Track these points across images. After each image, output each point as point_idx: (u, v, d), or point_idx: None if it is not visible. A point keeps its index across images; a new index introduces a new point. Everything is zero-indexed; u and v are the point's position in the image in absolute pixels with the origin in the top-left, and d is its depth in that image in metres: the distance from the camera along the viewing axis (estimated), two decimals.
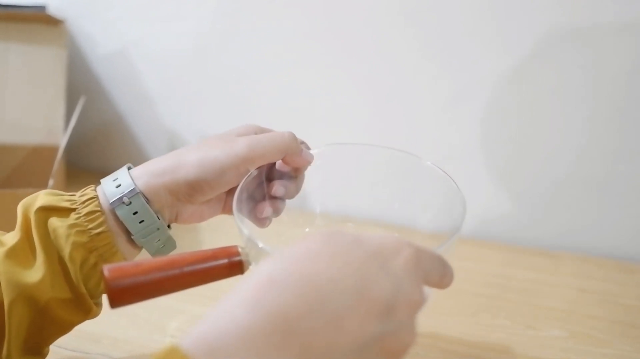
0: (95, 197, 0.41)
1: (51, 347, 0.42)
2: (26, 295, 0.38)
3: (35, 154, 0.75)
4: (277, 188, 0.45)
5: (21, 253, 0.39)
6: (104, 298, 0.38)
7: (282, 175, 0.46)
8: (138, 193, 0.40)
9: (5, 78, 0.76)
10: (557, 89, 0.67)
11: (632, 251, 0.71)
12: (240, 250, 0.37)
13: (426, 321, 0.54)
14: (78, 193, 0.41)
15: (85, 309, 0.41)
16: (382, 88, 0.73)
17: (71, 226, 0.39)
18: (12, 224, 0.40)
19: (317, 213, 0.50)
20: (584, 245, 0.72)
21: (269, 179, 0.46)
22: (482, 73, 0.68)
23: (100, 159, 0.93)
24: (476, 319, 0.59)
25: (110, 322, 0.55)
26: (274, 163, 0.45)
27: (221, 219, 0.47)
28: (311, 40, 0.73)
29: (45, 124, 0.75)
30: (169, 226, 0.44)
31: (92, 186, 0.42)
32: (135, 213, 0.40)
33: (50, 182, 0.64)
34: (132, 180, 0.41)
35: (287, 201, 0.47)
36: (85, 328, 0.42)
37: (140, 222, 0.41)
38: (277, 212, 0.46)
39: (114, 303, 0.33)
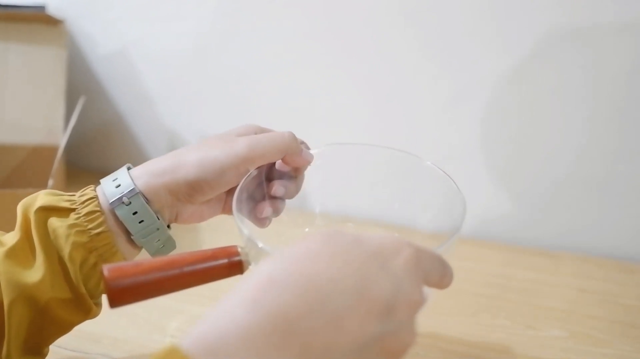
0: (95, 197, 0.41)
1: (51, 347, 0.42)
2: (26, 295, 0.38)
3: (35, 154, 0.75)
4: (277, 188, 0.45)
5: (21, 253, 0.39)
6: (104, 298, 0.38)
7: (282, 175, 0.46)
8: (138, 193, 0.40)
9: (5, 79, 0.76)
10: (557, 89, 0.67)
11: (632, 251, 0.71)
12: (240, 250, 0.36)
13: (426, 321, 0.54)
14: (78, 193, 0.41)
15: (85, 310, 0.41)
16: (382, 88, 0.73)
17: (71, 226, 0.39)
18: (12, 224, 0.40)
19: (317, 213, 0.50)
20: (584, 245, 0.72)
21: (269, 179, 0.46)
22: (482, 73, 0.68)
23: (100, 159, 0.93)
24: (476, 319, 0.59)
25: (110, 322, 0.55)
26: (274, 163, 0.45)
27: (221, 219, 0.47)
28: (311, 40, 0.73)
29: (45, 124, 0.75)
30: (168, 226, 0.44)
31: (92, 187, 0.42)
32: (135, 213, 0.40)
33: (50, 182, 0.64)
34: (132, 180, 0.41)
35: (287, 201, 0.47)
36: (85, 328, 0.42)
37: (140, 222, 0.41)
38: (277, 212, 0.46)
39: (114, 302, 0.33)
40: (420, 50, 0.69)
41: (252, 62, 0.77)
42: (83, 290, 0.40)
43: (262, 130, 0.45)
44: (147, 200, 0.41)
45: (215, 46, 0.78)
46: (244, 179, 0.42)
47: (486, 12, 0.65)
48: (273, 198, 0.46)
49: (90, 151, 0.93)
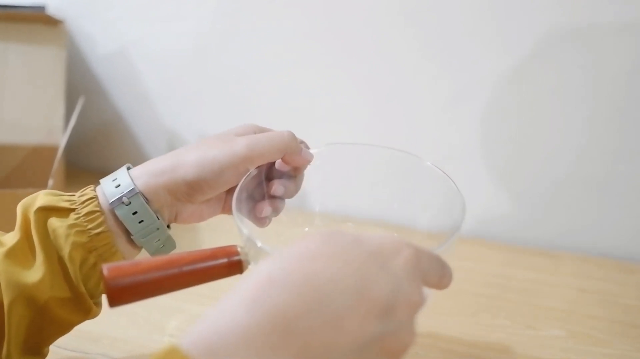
0: (95, 197, 0.41)
1: (51, 347, 0.42)
2: (26, 295, 0.38)
3: (35, 154, 0.75)
4: (277, 187, 0.45)
5: (21, 253, 0.39)
6: (104, 298, 0.38)
7: (281, 175, 0.46)
8: (137, 193, 0.40)
9: (5, 79, 0.76)
10: (557, 89, 0.67)
11: (632, 251, 0.71)
12: (239, 249, 0.36)
13: (426, 321, 0.54)
14: (77, 193, 0.41)
15: (85, 309, 0.41)
16: (382, 88, 0.73)
17: (71, 226, 0.39)
18: (11, 224, 0.40)
19: (317, 213, 0.50)
20: (584, 245, 0.72)
21: (269, 178, 0.46)
22: (482, 73, 0.68)
23: (100, 159, 0.93)
24: (476, 319, 0.59)
25: (109, 322, 0.55)
26: (274, 163, 0.45)
27: (221, 219, 0.47)
28: (311, 40, 0.73)
29: (44, 124, 0.75)
30: (168, 226, 0.44)
31: (92, 187, 0.42)
32: (134, 213, 0.40)
33: (50, 182, 0.64)
34: (132, 180, 0.41)
35: (287, 200, 0.47)
36: (84, 327, 0.42)
37: (139, 222, 0.41)
38: (276, 212, 0.46)
39: (113, 302, 0.33)
40: (420, 50, 0.69)
41: (252, 62, 0.77)
42: (83, 289, 0.40)
43: (262, 130, 0.45)
44: (147, 200, 0.41)
45: (215, 46, 0.78)
46: (243, 179, 0.42)
47: (486, 12, 0.65)
48: (272, 197, 0.46)
49: (90, 151, 0.93)
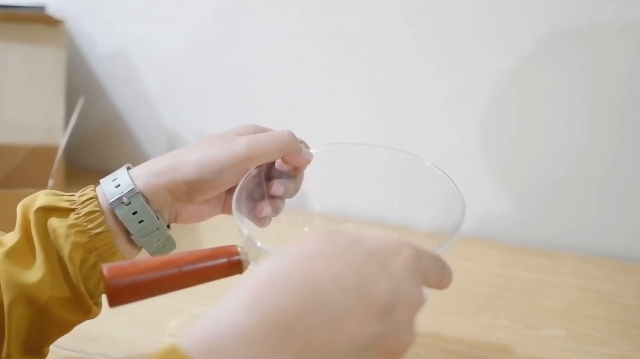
0: (95, 197, 0.41)
1: (51, 347, 0.42)
2: (26, 295, 0.38)
3: (34, 154, 0.75)
4: (277, 187, 0.45)
5: (21, 253, 0.39)
6: (104, 298, 0.38)
7: (281, 174, 0.46)
8: (137, 193, 0.40)
9: (5, 79, 0.76)
10: (557, 89, 0.67)
11: (632, 251, 0.71)
12: (239, 249, 0.36)
13: (426, 321, 0.54)
14: (77, 193, 0.41)
15: (85, 309, 0.41)
16: (382, 88, 0.73)
17: (71, 226, 0.39)
18: (11, 224, 0.40)
19: (317, 213, 0.50)
20: (584, 245, 0.72)
21: (268, 178, 0.46)
22: (482, 73, 0.68)
23: (99, 159, 0.93)
24: (476, 319, 0.59)
25: (109, 322, 0.55)
26: (273, 163, 0.45)
27: (220, 219, 0.47)
28: (311, 40, 0.73)
29: (44, 124, 0.75)
30: (168, 226, 0.44)
31: (92, 187, 0.42)
32: (134, 213, 0.40)
33: (50, 182, 0.64)
34: (132, 180, 0.41)
35: (287, 200, 0.47)
36: (84, 327, 0.42)
37: (139, 222, 0.41)
38: (276, 211, 0.46)
39: (113, 302, 0.33)
40: (420, 50, 0.69)
41: (252, 62, 0.77)
42: (83, 289, 0.40)
43: (261, 130, 0.45)
44: (147, 200, 0.41)
45: (215, 46, 0.78)
46: (243, 178, 0.42)
47: (486, 12, 0.65)
48: (272, 197, 0.46)
49: (90, 151, 0.93)
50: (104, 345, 0.53)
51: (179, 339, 0.26)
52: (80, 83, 0.86)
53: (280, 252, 0.30)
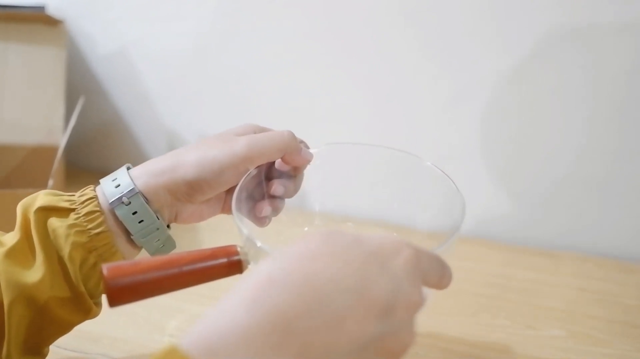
0: (95, 197, 0.41)
1: (51, 347, 0.42)
2: (26, 295, 0.38)
3: (34, 154, 0.75)
4: (277, 187, 0.45)
5: (21, 253, 0.39)
6: (104, 298, 0.38)
7: (281, 174, 0.46)
8: (137, 193, 0.40)
9: (5, 79, 0.76)
10: (557, 89, 0.67)
11: (632, 251, 0.71)
12: (239, 249, 0.36)
13: (426, 321, 0.54)
14: (77, 193, 0.41)
15: (85, 309, 0.41)
16: (382, 88, 0.73)
17: (71, 226, 0.39)
18: (11, 224, 0.40)
19: (317, 213, 0.50)
20: (584, 245, 0.72)
21: (268, 178, 0.46)
22: (482, 73, 0.68)
23: (99, 159, 0.93)
24: (476, 319, 0.59)
25: (109, 322, 0.55)
26: (273, 162, 0.45)
27: (220, 218, 0.46)
28: (311, 40, 0.73)
29: (44, 124, 0.75)
30: (168, 226, 0.44)
31: (92, 187, 0.42)
32: (134, 213, 0.40)
33: (50, 182, 0.64)
34: (132, 180, 0.41)
35: (287, 200, 0.47)
36: (84, 327, 0.42)
37: (139, 222, 0.41)
38: (276, 211, 0.46)
39: (113, 301, 0.33)
40: (420, 50, 0.69)
41: (252, 62, 0.77)
42: (83, 289, 0.40)
43: (261, 130, 0.45)
44: (147, 200, 0.41)
45: (215, 46, 0.78)
46: (243, 178, 0.42)
47: (486, 12, 0.65)
48: (272, 197, 0.46)
49: (90, 151, 0.93)
50: (104, 345, 0.53)
51: (179, 339, 0.26)
52: (80, 83, 0.86)
53: (280, 252, 0.30)
